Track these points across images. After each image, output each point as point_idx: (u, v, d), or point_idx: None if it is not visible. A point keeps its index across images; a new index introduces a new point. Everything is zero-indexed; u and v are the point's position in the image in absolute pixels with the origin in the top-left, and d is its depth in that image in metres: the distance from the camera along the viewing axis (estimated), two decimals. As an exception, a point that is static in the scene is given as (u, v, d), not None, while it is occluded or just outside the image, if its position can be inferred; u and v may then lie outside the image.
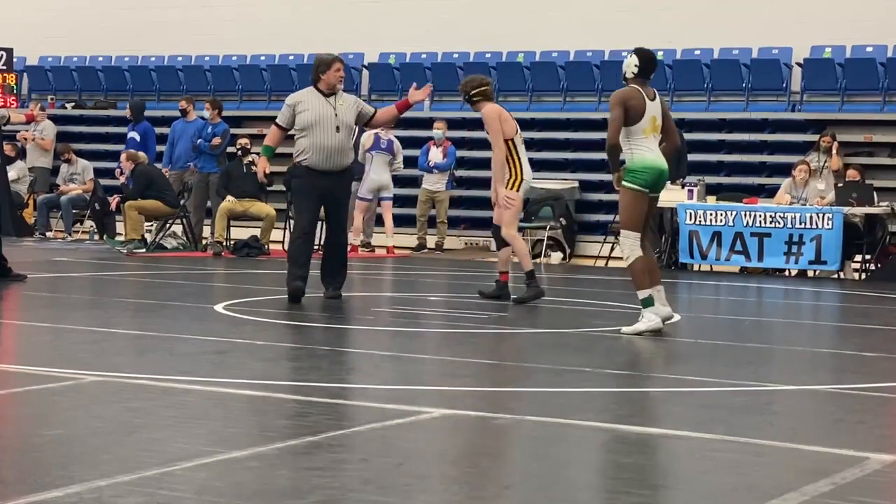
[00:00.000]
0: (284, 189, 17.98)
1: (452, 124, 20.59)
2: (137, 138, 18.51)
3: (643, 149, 9.05)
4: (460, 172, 19.60)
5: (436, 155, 18.34)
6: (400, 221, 18.46)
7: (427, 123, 19.64)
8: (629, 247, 9.01)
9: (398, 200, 18.72)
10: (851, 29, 18.99)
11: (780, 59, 19.32)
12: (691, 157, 17.24)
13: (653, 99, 9.08)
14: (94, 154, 21.27)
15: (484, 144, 19.84)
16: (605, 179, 19.31)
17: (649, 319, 8.89)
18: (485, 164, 19.86)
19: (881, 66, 18.68)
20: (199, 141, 17.63)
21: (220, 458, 4.72)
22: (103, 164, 21.02)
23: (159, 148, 19.21)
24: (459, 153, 19.50)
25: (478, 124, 20.59)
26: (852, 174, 15.90)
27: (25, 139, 20.70)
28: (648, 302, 8.94)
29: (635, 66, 9.04)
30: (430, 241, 18.45)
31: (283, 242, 17.51)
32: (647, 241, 9.25)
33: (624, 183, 9.06)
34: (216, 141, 17.59)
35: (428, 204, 18.43)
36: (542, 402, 6.46)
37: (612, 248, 17.13)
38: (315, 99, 10.78)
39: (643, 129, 9.04)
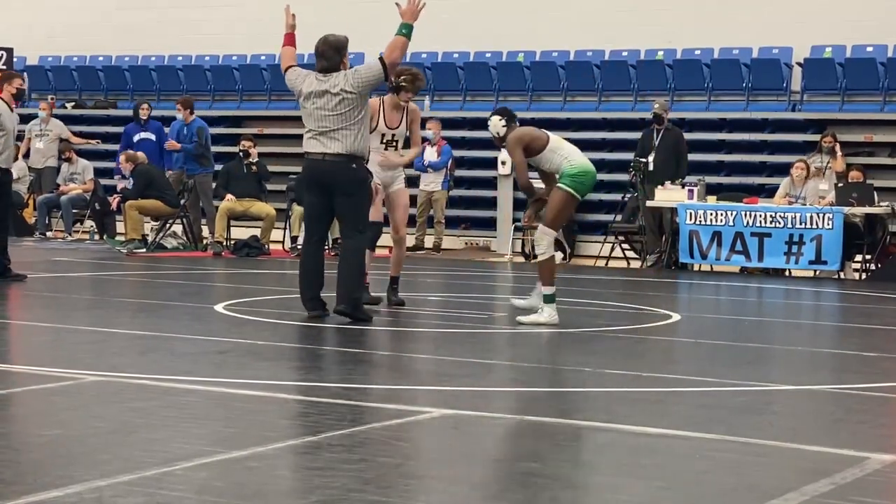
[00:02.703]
0: (286, 189, 18.01)
1: (451, 124, 20.59)
2: (153, 138, 18.19)
3: (576, 153, 9.48)
4: (460, 172, 19.61)
5: (430, 154, 18.31)
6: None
7: (424, 124, 19.62)
8: (547, 244, 9.35)
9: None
10: (851, 29, 18.98)
11: (780, 59, 19.32)
12: (691, 156, 17.23)
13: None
14: (95, 154, 21.25)
15: (482, 144, 19.90)
16: (605, 179, 19.31)
17: (549, 315, 9.22)
18: (484, 163, 19.95)
19: (881, 66, 18.67)
20: (168, 143, 17.61)
21: (220, 458, 4.72)
22: (103, 164, 21.01)
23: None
24: (459, 153, 19.50)
25: (477, 124, 20.64)
26: (855, 175, 15.89)
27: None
28: (551, 299, 9.28)
29: (501, 122, 9.59)
30: (429, 242, 18.42)
31: (282, 242, 17.52)
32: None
33: (563, 185, 9.32)
34: (172, 144, 17.63)
35: (427, 205, 18.42)
36: (542, 402, 6.47)
37: (613, 248, 17.14)
38: None
39: (559, 141, 9.48)
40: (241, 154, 17.10)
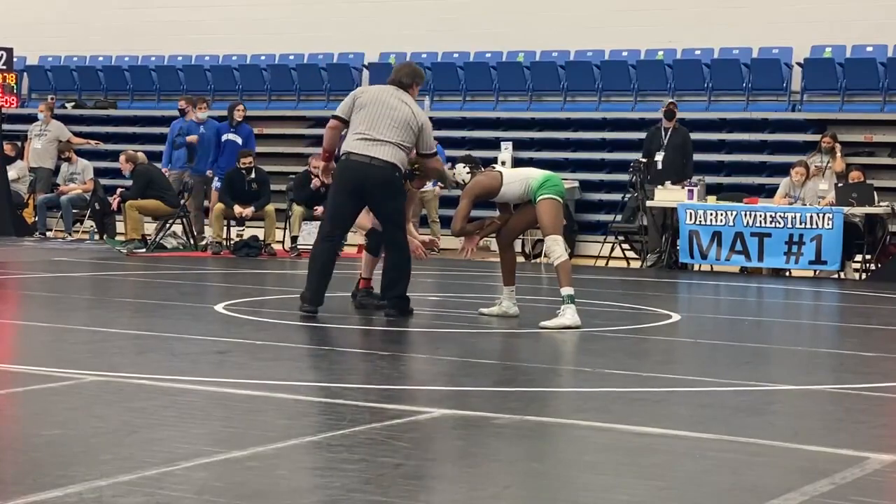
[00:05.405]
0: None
1: (451, 123, 20.59)
2: (239, 141, 17.52)
3: (532, 170, 9.93)
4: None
5: None
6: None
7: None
8: (561, 248, 9.52)
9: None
10: (851, 29, 18.99)
11: (780, 59, 19.32)
12: (691, 156, 17.24)
13: (493, 169, 10.05)
14: (95, 154, 21.26)
15: (482, 144, 19.92)
16: (605, 179, 19.34)
17: (572, 316, 9.19)
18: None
19: (881, 66, 18.68)
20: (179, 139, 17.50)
21: (220, 458, 4.72)
22: (103, 164, 21.01)
23: (160, 147, 19.13)
24: (459, 153, 19.44)
25: (477, 124, 20.67)
26: (855, 175, 15.89)
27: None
28: (572, 299, 9.31)
29: (466, 170, 9.90)
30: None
31: (282, 242, 17.51)
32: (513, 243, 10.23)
33: (542, 196, 9.57)
34: (192, 138, 17.55)
35: (418, 205, 18.36)
36: (542, 402, 6.47)
37: (613, 248, 17.14)
38: None
39: (511, 174, 9.83)
40: (243, 171, 16.93)
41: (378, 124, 9.52)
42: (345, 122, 9.74)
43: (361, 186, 9.53)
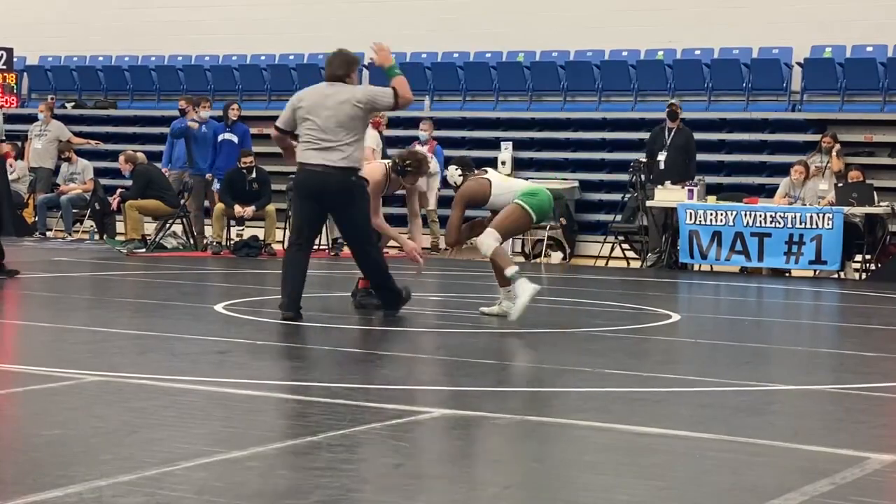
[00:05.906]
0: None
1: (451, 124, 20.59)
2: (235, 140, 17.43)
3: (524, 182, 10.07)
4: (460, 172, 19.56)
5: None
6: (397, 222, 18.39)
7: (417, 123, 19.59)
8: (492, 240, 9.49)
9: (396, 200, 18.69)
10: (851, 29, 18.99)
11: (780, 59, 19.32)
12: (691, 156, 17.24)
13: (485, 173, 9.88)
14: (95, 154, 21.26)
15: (482, 144, 19.92)
16: (605, 179, 19.34)
17: (525, 289, 9.17)
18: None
19: (881, 66, 18.68)
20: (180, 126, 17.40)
21: (220, 458, 4.72)
22: (103, 164, 21.01)
23: (160, 147, 19.14)
24: (458, 153, 19.47)
25: (477, 124, 20.66)
26: (855, 175, 15.88)
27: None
28: (518, 275, 9.31)
29: (458, 173, 9.87)
30: (426, 241, 18.36)
31: (282, 242, 17.50)
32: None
33: (523, 204, 9.58)
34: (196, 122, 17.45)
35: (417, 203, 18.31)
36: (542, 402, 6.47)
37: (612, 248, 17.14)
38: None
39: (501, 184, 9.74)
40: (244, 171, 16.90)
41: (324, 129, 9.32)
42: (286, 133, 9.61)
43: (320, 195, 9.40)
